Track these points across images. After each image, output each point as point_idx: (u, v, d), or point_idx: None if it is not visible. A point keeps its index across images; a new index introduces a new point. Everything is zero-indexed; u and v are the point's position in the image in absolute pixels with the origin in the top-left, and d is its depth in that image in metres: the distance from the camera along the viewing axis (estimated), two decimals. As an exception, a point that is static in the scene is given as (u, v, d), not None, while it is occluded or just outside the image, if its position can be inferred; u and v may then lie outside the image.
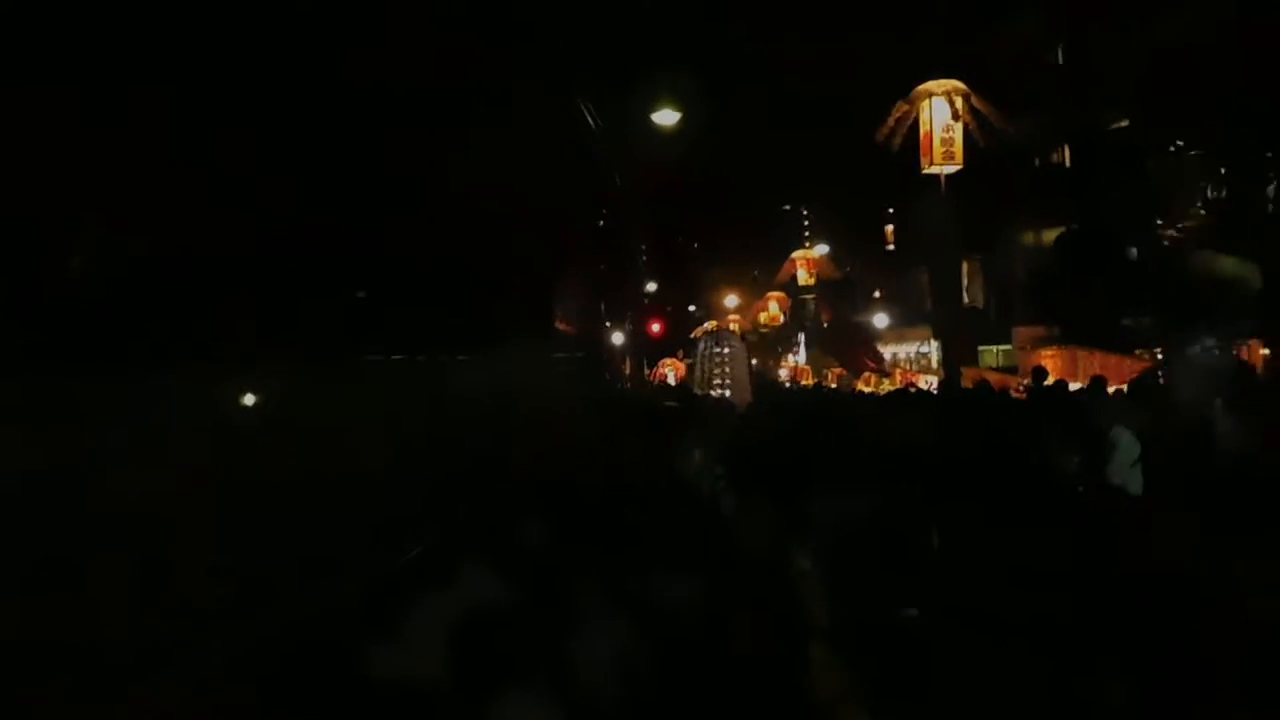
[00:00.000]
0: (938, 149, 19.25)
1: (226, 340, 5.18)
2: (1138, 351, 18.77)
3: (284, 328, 5.83)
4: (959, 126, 19.25)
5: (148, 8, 4.83)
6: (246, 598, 4.00)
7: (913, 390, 16.19)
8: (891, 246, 36.37)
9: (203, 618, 3.83)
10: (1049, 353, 19.68)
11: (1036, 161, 26.54)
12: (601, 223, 19.26)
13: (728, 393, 16.59)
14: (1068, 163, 25.97)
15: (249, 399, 5.44)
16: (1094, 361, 17.71)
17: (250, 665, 3.56)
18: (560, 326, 13.77)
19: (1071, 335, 20.46)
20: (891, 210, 34.89)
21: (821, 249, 40.40)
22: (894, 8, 23.25)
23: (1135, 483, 6.20)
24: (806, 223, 42.41)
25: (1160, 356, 16.83)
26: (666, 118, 14.48)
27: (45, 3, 4.19)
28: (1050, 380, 11.36)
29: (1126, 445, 6.31)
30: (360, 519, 4.82)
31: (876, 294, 36.89)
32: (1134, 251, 21.66)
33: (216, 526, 4.14)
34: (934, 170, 19.51)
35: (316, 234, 6.34)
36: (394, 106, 7.18)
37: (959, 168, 19.37)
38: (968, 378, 17.17)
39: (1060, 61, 24.77)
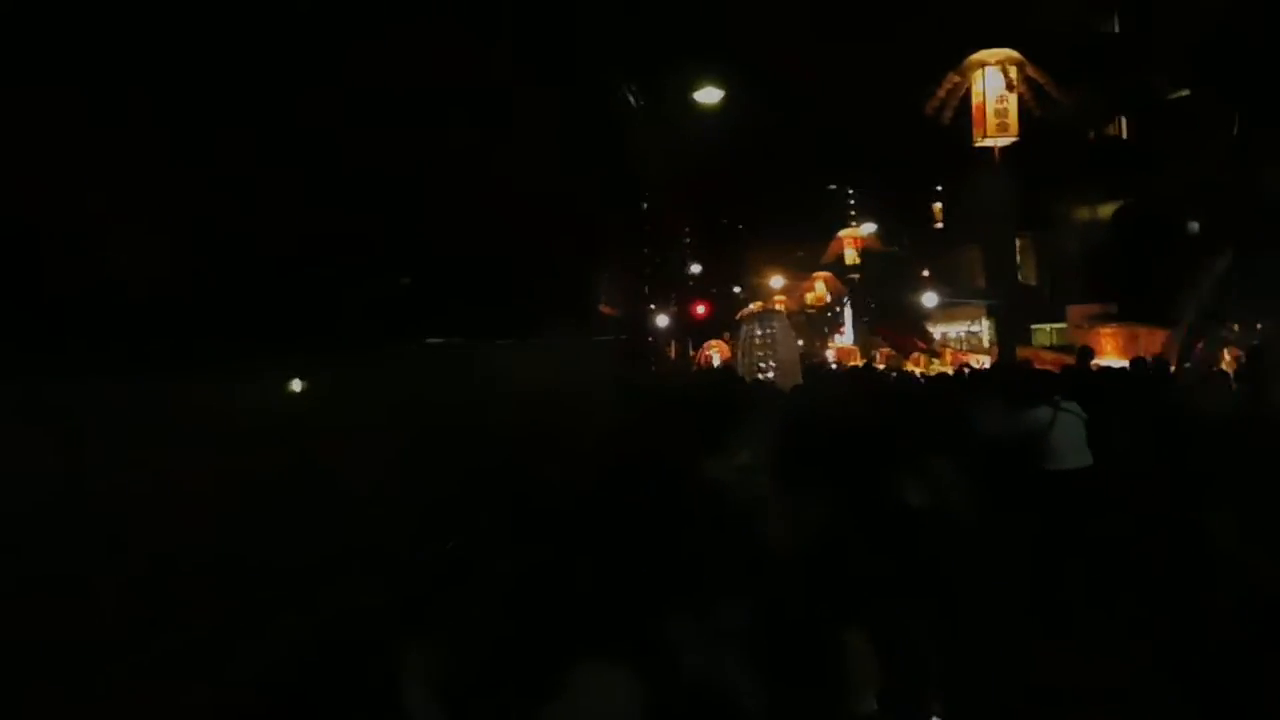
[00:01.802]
0: (991, 120, 18.71)
1: (262, 335, 5.07)
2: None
3: (323, 320, 5.72)
4: (1013, 97, 18.69)
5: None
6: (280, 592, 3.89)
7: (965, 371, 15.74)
8: (940, 224, 35.64)
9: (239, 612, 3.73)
10: (1107, 330, 19.10)
11: (1092, 135, 25.73)
12: (645, 205, 19.03)
13: (773, 374, 16.24)
14: (1124, 135, 25.15)
15: (293, 386, 5.34)
16: (1155, 339, 17.13)
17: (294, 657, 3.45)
18: (604, 310, 13.60)
19: (1129, 312, 19.82)
20: (940, 187, 34.17)
21: (869, 228, 39.66)
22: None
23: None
24: (853, 201, 41.67)
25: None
26: (709, 95, 14.23)
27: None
28: (1102, 360, 10.90)
29: (1065, 423, 6.24)
30: (396, 509, 4.70)
31: (925, 273, 36.18)
32: (1194, 225, 20.86)
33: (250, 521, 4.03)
34: (987, 142, 18.97)
35: (356, 224, 6.23)
36: (430, 96, 7.04)
37: (1014, 139, 18.82)
38: (1020, 357, 16.67)
39: (1116, 29, 23.94)
